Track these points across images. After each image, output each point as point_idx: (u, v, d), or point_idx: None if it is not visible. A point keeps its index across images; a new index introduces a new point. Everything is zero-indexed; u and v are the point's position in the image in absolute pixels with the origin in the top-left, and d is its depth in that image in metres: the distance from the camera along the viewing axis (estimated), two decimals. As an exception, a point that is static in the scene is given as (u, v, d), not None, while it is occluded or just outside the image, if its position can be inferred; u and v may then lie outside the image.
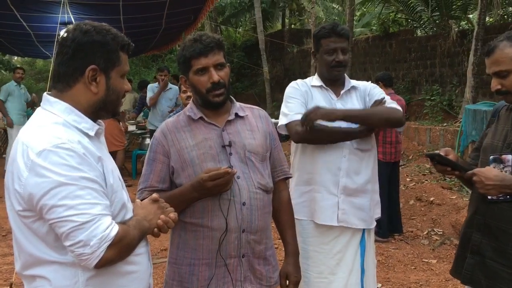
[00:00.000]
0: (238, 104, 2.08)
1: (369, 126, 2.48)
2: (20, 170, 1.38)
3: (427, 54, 11.02)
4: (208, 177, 1.80)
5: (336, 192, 2.51)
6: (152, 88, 8.13)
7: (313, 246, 2.55)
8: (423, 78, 11.16)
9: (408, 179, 7.29)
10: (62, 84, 1.52)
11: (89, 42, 1.50)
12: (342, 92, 2.59)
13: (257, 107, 2.21)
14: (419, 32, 12.77)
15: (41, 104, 1.53)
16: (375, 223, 2.63)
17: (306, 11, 17.71)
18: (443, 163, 2.10)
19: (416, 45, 11.40)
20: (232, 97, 2.08)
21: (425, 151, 8.48)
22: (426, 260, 4.85)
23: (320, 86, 2.60)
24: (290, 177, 2.22)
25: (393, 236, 5.51)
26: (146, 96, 9.25)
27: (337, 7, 19.05)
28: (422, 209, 6.25)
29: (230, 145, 1.96)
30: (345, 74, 2.65)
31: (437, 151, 2.14)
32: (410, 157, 8.66)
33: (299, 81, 2.68)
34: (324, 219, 2.51)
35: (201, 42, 1.90)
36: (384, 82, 5.62)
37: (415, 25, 12.82)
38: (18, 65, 14.03)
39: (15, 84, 8.87)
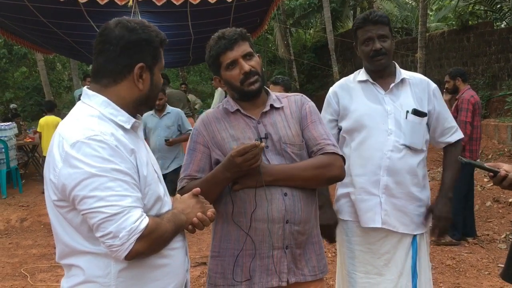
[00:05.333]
0: (274, 95, 2.06)
1: None
2: (55, 161, 1.43)
3: (509, 47, 10.30)
4: (237, 152, 1.78)
5: (377, 192, 2.36)
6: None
7: (359, 246, 2.43)
8: (505, 72, 10.44)
9: (485, 180, 6.84)
10: (107, 80, 1.54)
11: (137, 40, 1.52)
12: (392, 85, 2.42)
13: (294, 93, 2.15)
14: (502, 24, 11.99)
15: (81, 97, 1.58)
16: (423, 231, 2.43)
17: (378, 8, 17.25)
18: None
19: (497, 37, 10.69)
20: (268, 88, 2.06)
21: (505, 149, 7.94)
22: (503, 266, 4.49)
23: (366, 81, 2.46)
24: (333, 153, 1.96)
25: (465, 239, 5.19)
26: None
27: (410, 2, 18.37)
28: (500, 211, 5.85)
29: (266, 137, 1.94)
30: (397, 65, 2.50)
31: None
32: (490, 156, 8.12)
33: (341, 81, 2.57)
34: (366, 221, 2.38)
35: (224, 37, 1.92)
36: (463, 78, 5.36)
37: (495, 16, 12.03)
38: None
39: None
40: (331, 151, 1.95)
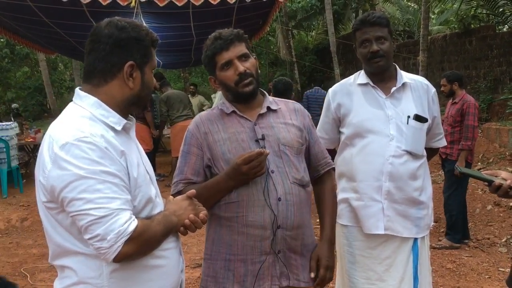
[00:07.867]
0: (270, 98, 2.05)
1: None
2: (45, 162, 1.43)
3: (511, 51, 10.28)
4: (242, 160, 1.78)
5: (379, 197, 2.34)
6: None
7: (360, 251, 2.41)
8: (507, 76, 10.44)
9: (486, 183, 6.81)
10: (97, 79, 1.54)
11: (126, 39, 1.52)
12: (393, 89, 2.39)
13: (292, 101, 2.15)
14: (504, 28, 11.98)
15: (73, 98, 1.57)
16: (424, 234, 2.42)
17: (380, 11, 17.23)
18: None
19: (499, 41, 10.70)
20: (264, 91, 2.05)
21: (507, 153, 7.92)
22: (503, 269, 4.49)
23: (366, 84, 2.42)
24: (334, 167, 2.21)
25: (464, 242, 5.18)
26: None
27: (412, 5, 18.36)
28: (501, 214, 5.83)
29: (263, 138, 1.93)
30: (397, 67, 2.47)
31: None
32: (491, 160, 8.09)
33: (341, 84, 2.54)
34: (369, 228, 2.36)
35: (221, 37, 1.91)
36: (459, 83, 5.25)
37: (497, 20, 12.03)
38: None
39: None
40: (333, 165, 2.20)
